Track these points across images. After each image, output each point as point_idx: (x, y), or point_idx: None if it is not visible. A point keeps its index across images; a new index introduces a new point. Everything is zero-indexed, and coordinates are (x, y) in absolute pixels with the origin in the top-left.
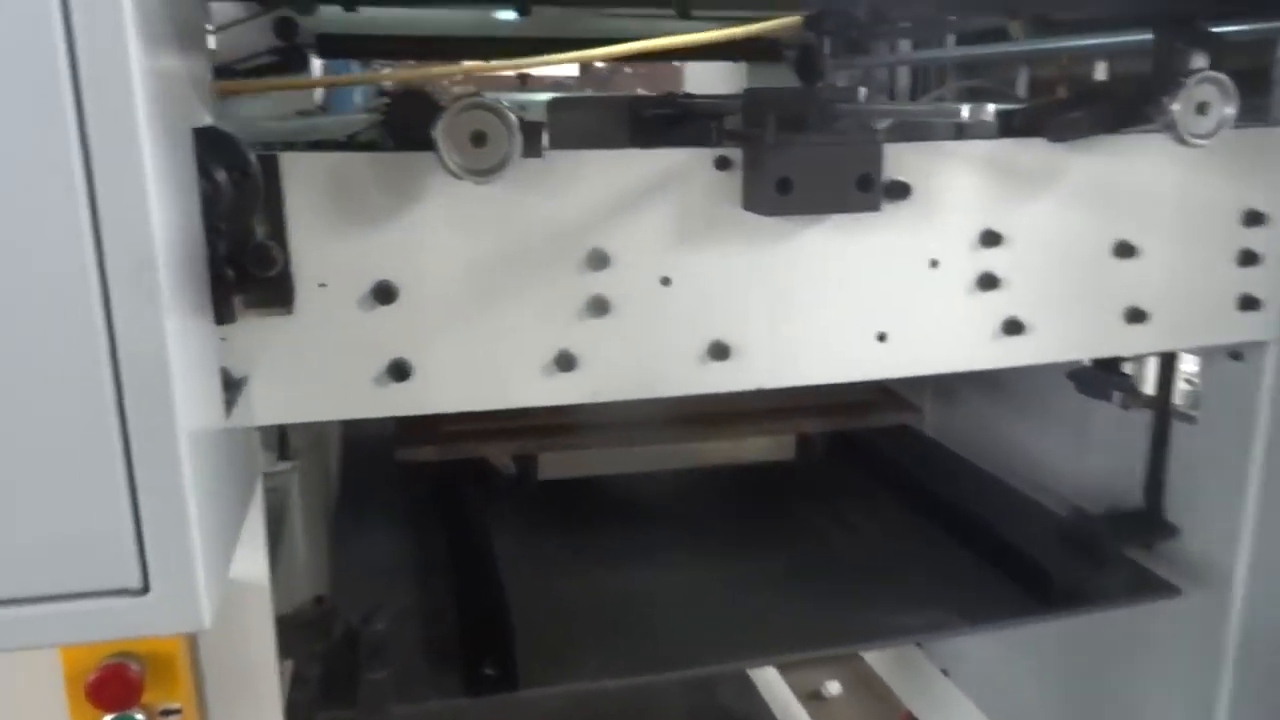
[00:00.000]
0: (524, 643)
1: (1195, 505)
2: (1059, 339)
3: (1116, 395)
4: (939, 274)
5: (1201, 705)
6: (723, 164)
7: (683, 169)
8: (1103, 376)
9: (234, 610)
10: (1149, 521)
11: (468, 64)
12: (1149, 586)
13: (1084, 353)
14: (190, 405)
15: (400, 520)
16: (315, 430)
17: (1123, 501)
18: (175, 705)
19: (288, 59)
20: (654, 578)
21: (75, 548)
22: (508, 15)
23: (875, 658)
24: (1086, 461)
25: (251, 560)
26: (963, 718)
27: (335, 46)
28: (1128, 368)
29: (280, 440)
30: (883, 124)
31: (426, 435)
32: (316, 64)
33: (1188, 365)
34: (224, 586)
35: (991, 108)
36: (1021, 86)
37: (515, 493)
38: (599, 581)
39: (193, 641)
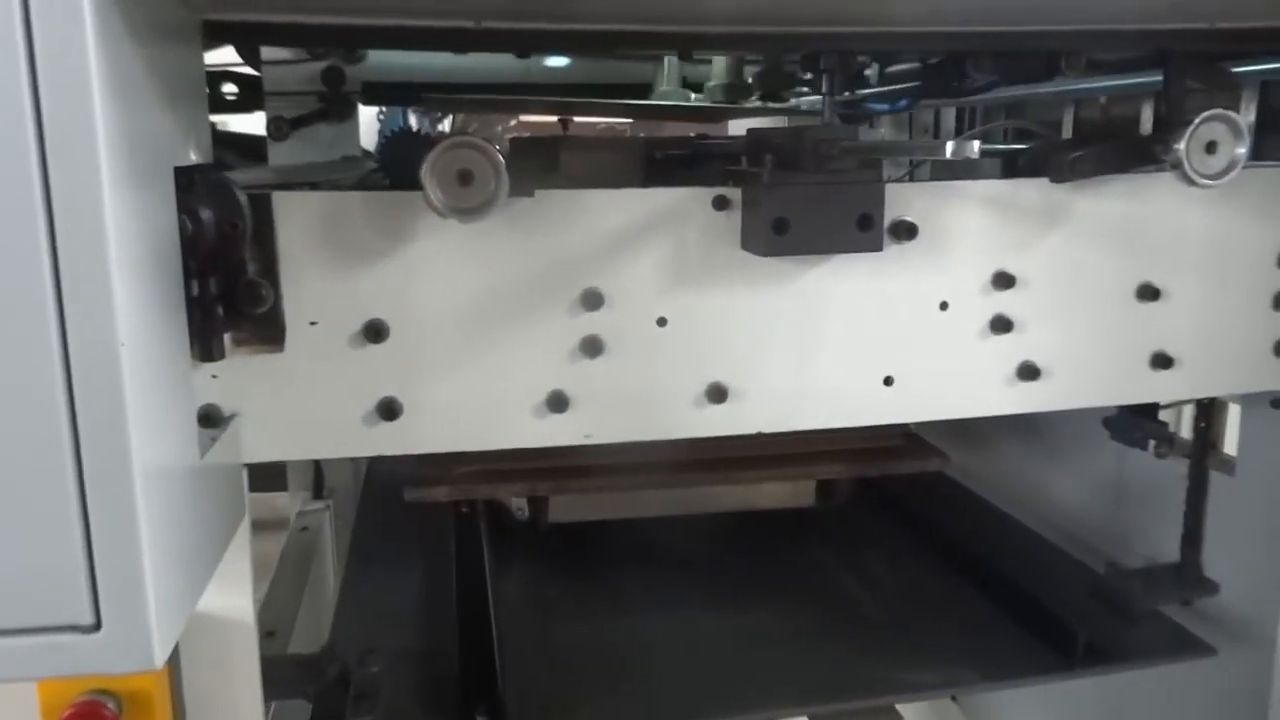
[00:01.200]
0: (522, 690)
1: (1235, 560)
2: (1079, 384)
3: (1150, 444)
4: (949, 316)
5: None
6: (721, 204)
7: (680, 209)
8: (1137, 424)
9: (218, 649)
10: (1187, 577)
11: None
12: (1182, 646)
13: (1106, 399)
14: (151, 443)
15: (412, 560)
16: (352, 470)
17: (1160, 555)
18: None
19: (334, 108)
20: (661, 626)
21: (26, 582)
22: (557, 62)
23: (911, 713)
24: (1122, 512)
25: (236, 599)
26: None
27: (382, 95)
28: (1165, 416)
29: (316, 479)
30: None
31: (437, 476)
32: (363, 112)
33: (1229, 414)
34: (181, 626)
35: (976, 144)
36: (1067, 127)
37: (527, 536)
38: (605, 628)
39: (174, 680)
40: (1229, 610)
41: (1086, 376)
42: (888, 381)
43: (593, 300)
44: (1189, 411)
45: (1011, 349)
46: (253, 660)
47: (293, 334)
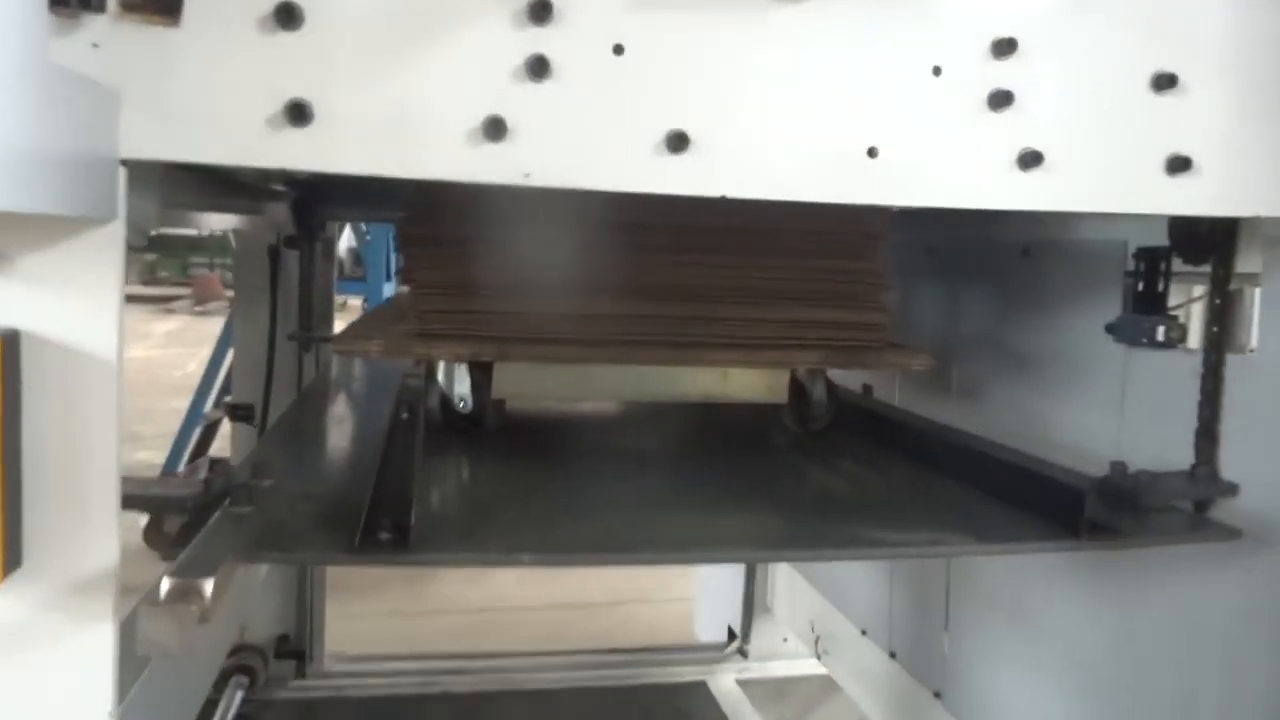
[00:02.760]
0: (438, 525)
1: (1257, 457)
2: (1085, 181)
3: (1160, 330)
4: (942, 83)
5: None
6: None
7: None
8: (1145, 319)
9: (69, 381)
10: (1201, 476)
11: None
12: (1203, 528)
13: (1116, 202)
14: None
15: (353, 425)
16: None
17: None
18: None
19: None
20: (605, 495)
21: None
22: None
23: (886, 710)
24: (1128, 439)
25: (96, 322)
26: None
27: None
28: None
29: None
30: None
31: (371, 332)
32: None
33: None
34: None
35: None
36: None
37: (471, 436)
38: (542, 496)
39: (9, 402)
40: (1251, 513)
41: (1094, 172)
42: (871, 153)
43: (540, 11)
44: (1198, 312)
45: (1011, 129)
46: (109, 402)
47: (192, 6)
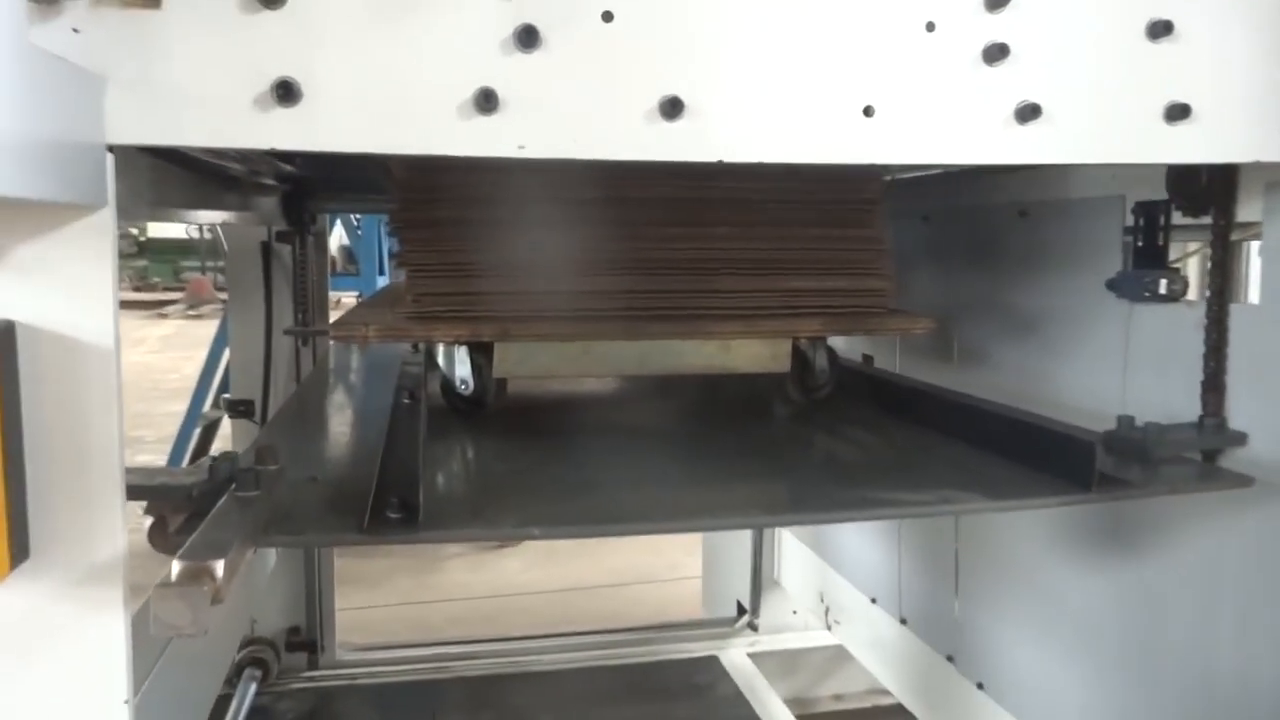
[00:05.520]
0: (445, 504)
1: (1264, 405)
2: (1085, 132)
3: (1162, 284)
4: (936, 39)
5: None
6: None
7: None
8: (1146, 273)
9: (65, 371)
10: (1210, 429)
11: None
12: (1214, 477)
13: (1117, 153)
14: None
15: (355, 412)
16: None
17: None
18: None
19: None
20: (611, 470)
21: None
22: None
23: (899, 676)
24: (1133, 395)
25: (91, 312)
26: None
27: None
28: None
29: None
30: None
31: (368, 317)
32: None
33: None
34: None
35: None
36: None
37: (473, 417)
38: (548, 473)
39: (9, 393)
40: (1261, 461)
41: (1094, 123)
42: (868, 112)
43: None
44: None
45: (1008, 83)
46: (109, 389)
47: None
